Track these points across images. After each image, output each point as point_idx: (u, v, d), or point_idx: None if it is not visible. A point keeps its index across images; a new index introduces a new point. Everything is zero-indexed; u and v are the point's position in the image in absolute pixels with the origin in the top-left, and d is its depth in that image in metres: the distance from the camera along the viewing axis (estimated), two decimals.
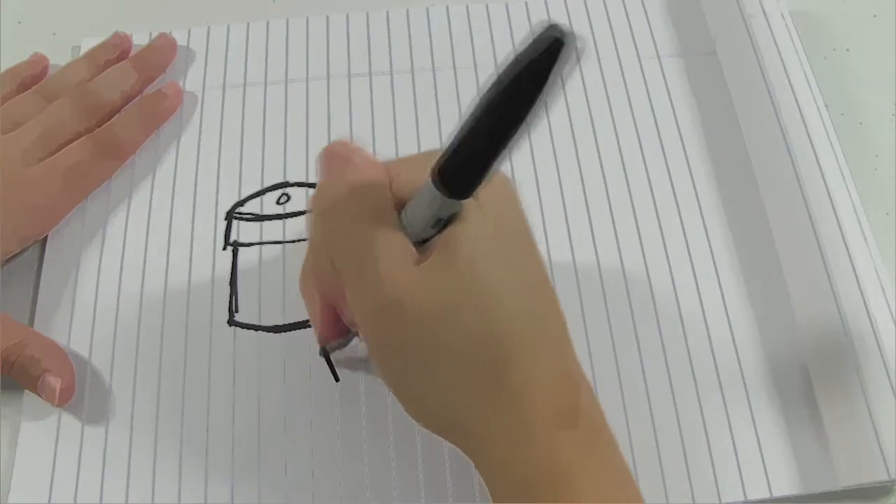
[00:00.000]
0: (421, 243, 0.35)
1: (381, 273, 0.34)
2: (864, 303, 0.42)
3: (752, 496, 0.41)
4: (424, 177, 0.34)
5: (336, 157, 0.38)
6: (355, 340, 0.42)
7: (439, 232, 0.34)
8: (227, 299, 0.46)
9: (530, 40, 0.28)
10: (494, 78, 0.30)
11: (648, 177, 0.49)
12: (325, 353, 0.42)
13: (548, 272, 0.36)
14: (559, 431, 0.33)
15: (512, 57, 0.29)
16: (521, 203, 0.37)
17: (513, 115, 0.30)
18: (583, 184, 0.49)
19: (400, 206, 0.35)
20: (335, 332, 0.40)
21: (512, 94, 0.29)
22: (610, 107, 0.51)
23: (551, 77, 0.29)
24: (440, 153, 0.33)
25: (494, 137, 0.31)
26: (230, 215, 0.48)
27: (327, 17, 0.54)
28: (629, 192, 0.48)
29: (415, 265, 0.34)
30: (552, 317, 0.36)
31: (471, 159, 0.32)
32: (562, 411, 0.34)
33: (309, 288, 0.39)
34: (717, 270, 0.46)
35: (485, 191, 0.34)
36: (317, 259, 0.38)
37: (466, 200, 0.34)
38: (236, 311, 0.45)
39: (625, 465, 0.35)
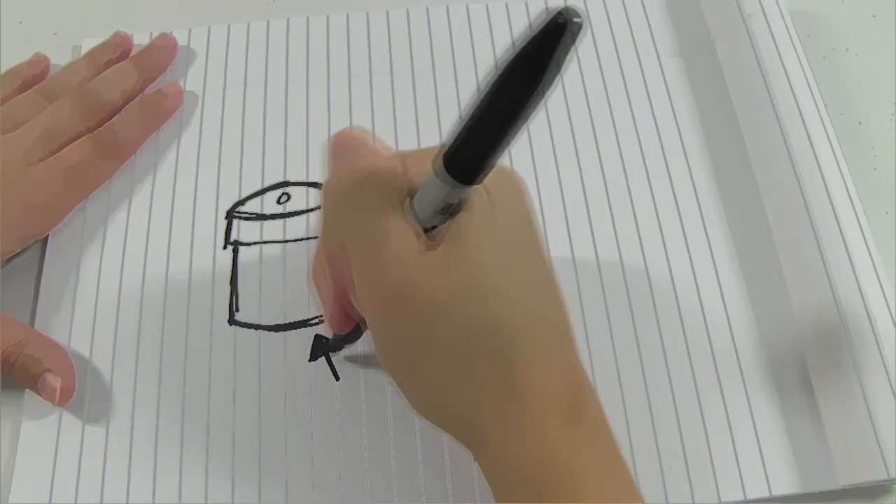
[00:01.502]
0: (430, 231, 0.35)
1: (388, 259, 0.34)
2: (864, 302, 0.42)
3: (751, 495, 0.41)
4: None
5: (351, 141, 0.38)
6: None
7: (447, 220, 0.34)
8: (228, 298, 0.46)
9: (536, 22, 0.28)
10: (499, 61, 0.29)
11: (648, 176, 0.49)
12: (331, 347, 0.43)
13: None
14: (564, 427, 0.33)
15: (516, 40, 0.29)
16: (528, 195, 0.37)
17: (517, 97, 0.30)
18: (583, 183, 0.49)
19: (413, 195, 0.35)
20: (345, 323, 0.40)
21: (515, 76, 0.29)
22: (610, 106, 0.51)
23: (554, 59, 0.28)
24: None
25: (500, 120, 0.31)
26: (231, 214, 0.48)
27: (327, 17, 0.54)
28: (629, 191, 0.48)
29: (423, 253, 0.34)
30: (558, 310, 0.35)
31: (478, 143, 0.32)
32: (567, 407, 0.34)
33: (320, 277, 0.39)
34: (716, 269, 0.46)
35: (492, 181, 0.34)
36: (328, 243, 0.38)
37: (475, 188, 0.34)
38: (237, 310, 0.45)
39: (625, 465, 0.35)
